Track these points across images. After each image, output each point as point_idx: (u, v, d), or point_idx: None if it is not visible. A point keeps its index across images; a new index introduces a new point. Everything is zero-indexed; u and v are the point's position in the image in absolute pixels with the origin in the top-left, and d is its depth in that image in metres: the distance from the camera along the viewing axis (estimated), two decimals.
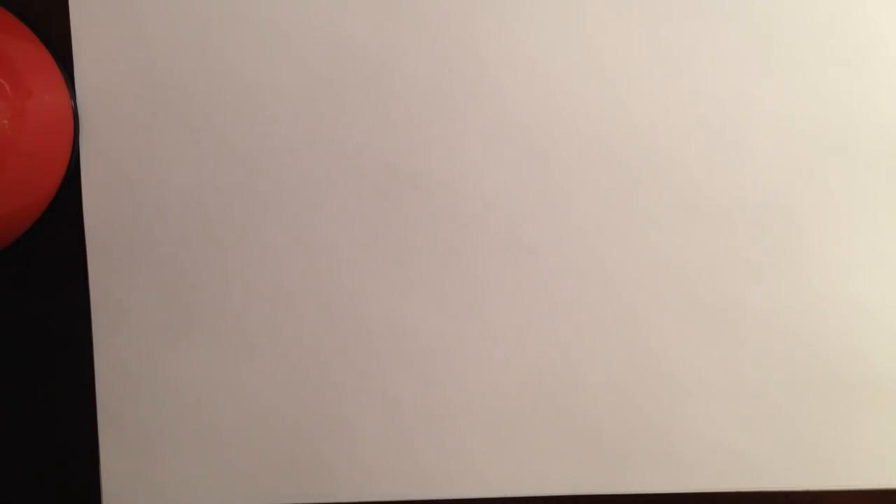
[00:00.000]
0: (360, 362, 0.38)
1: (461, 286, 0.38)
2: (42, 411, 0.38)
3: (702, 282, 0.38)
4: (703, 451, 0.39)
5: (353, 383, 0.38)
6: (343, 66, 0.37)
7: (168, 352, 0.38)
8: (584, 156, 0.38)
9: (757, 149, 0.38)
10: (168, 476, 0.38)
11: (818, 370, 0.39)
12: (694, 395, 0.39)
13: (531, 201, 0.38)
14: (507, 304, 0.38)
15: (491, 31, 0.37)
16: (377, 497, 0.38)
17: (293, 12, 0.37)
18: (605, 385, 0.38)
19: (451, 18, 0.37)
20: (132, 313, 0.37)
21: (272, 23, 0.37)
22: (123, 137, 0.37)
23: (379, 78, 0.37)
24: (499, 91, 0.37)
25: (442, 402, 0.38)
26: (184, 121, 0.37)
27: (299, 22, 0.37)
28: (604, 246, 0.38)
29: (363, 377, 0.38)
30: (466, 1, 0.37)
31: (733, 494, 0.39)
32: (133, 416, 0.38)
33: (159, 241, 0.37)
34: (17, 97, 0.33)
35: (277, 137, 0.37)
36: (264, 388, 0.38)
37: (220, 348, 0.38)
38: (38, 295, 0.37)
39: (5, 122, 0.32)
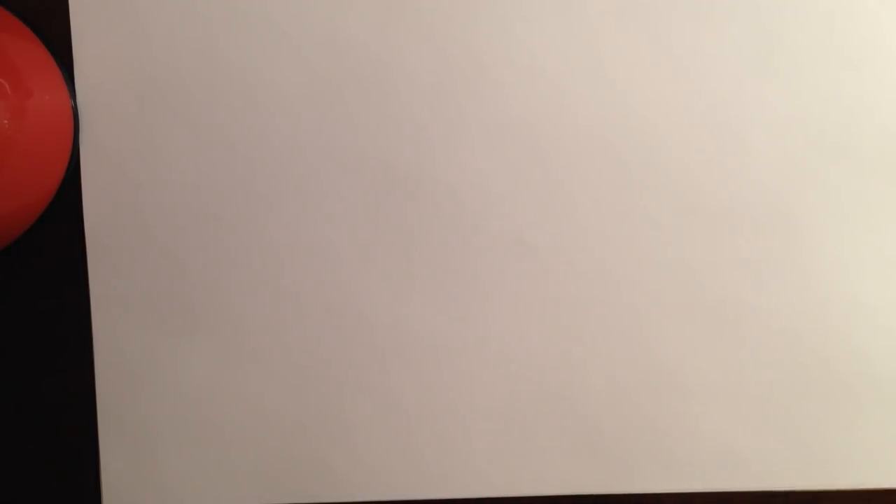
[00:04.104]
0: (361, 362, 0.38)
1: (462, 286, 0.38)
2: (42, 411, 0.38)
3: (702, 281, 0.38)
4: (704, 451, 0.39)
5: (354, 383, 0.38)
6: (344, 65, 0.37)
7: (168, 351, 0.38)
8: (585, 155, 0.38)
9: (757, 149, 0.38)
10: (168, 476, 0.38)
11: (818, 370, 0.39)
12: (694, 394, 0.39)
13: (532, 201, 0.38)
14: (507, 304, 0.38)
15: (491, 31, 0.37)
16: (377, 497, 0.38)
17: (294, 12, 0.37)
18: (605, 385, 0.38)
19: (452, 18, 0.37)
20: (132, 313, 0.37)
21: (273, 22, 0.37)
22: (123, 137, 0.37)
23: (380, 77, 0.37)
24: (500, 91, 0.37)
25: (443, 402, 0.38)
26: (184, 120, 0.37)
27: (300, 21, 0.37)
28: (605, 245, 0.38)
29: (363, 376, 0.38)
30: (467, 1, 0.37)
31: (733, 494, 0.39)
32: (133, 416, 0.38)
33: (159, 240, 0.37)
34: (17, 97, 0.33)
35: (278, 137, 0.37)
36: (264, 388, 0.38)
37: (220, 348, 0.38)
38: (38, 295, 0.37)
39: (5, 121, 0.32)
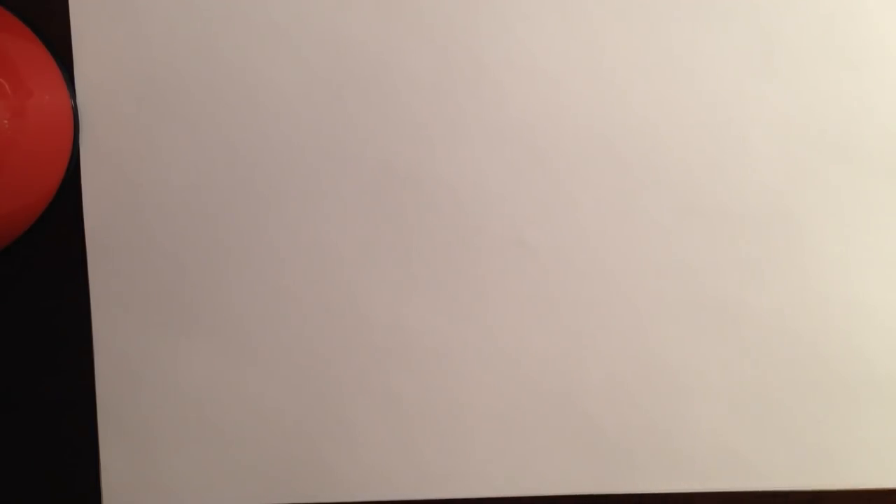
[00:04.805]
0: (361, 362, 0.38)
1: (462, 286, 0.38)
2: (42, 411, 0.38)
3: (702, 281, 0.38)
4: (704, 451, 0.39)
5: (354, 383, 0.38)
6: (344, 65, 0.37)
7: (168, 351, 0.38)
8: (585, 155, 0.38)
9: (757, 149, 0.38)
10: (168, 476, 0.38)
11: (818, 370, 0.39)
12: (694, 394, 0.39)
13: (532, 201, 0.38)
14: (508, 304, 0.38)
15: (491, 31, 0.37)
16: (377, 497, 0.38)
17: (294, 12, 0.37)
18: (605, 385, 0.38)
19: (452, 18, 0.37)
20: (132, 313, 0.37)
21: (273, 23, 0.37)
22: (123, 137, 0.37)
23: (380, 77, 0.37)
24: (499, 91, 0.37)
25: (442, 402, 0.38)
26: (184, 121, 0.37)
27: (300, 21, 0.37)
28: (605, 245, 0.38)
29: (364, 376, 0.38)
30: (467, 1, 0.37)
31: (733, 494, 0.39)
32: (133, 416, 0.38)
33: (159, 240, 0.37)
34: (17, 97, 0.33)
35: (278, 137, 0.37)
36: (265, 388, 0.38)
37: (220, 348, 0.38)
38: (38, 294, 0.37)
39: (5, 122, 0.32)
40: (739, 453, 0.39)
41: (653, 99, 0.37)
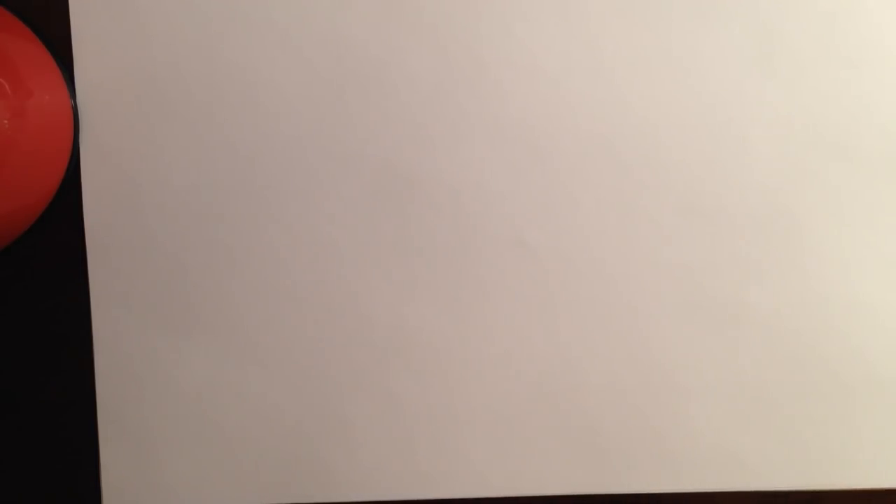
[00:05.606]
0: (361, 362, 0.38)
1: (462, 286, 0.38)
2: (42, 411, 0.38)
3: (702, 282, 0.38)
4: (703, 451, 0.39)
5: (354, 383, 0.38)
6: (344, 65, 0.37)
7: (168, 351, 0.38)
8: (585, 155, 0.38)
9: (757, 149, 0.38)
10: (168, 476, 0.38)
11: (818, 370, 0.39)
12: (694, 394, 0.39)
13: (532, 201, 0.38)
14: (507, 304, 0.38)
15: (491, 31, 0.37)
16: (377, 497, 0.38)
17: (294, 11, 0.37)
18: (605, 385, 0.38)
19: (452, 18, 0.37)
20: (132, 313, 0.37)
21: (273, 22, 0.37)
22: (123, 137, 0.37)
23: (380, 77, 0.37)
24: (499, 91, 0.37)
25: (442, 402, 0.38)
26: (184, 120, 0.37)
27: (300, 21, 0.37)
28: (604, 245, 0.38)
29: (364, 377, 0.38)
30: (467, 0, 0.37)
31: (733, 494, 0.39)
32: (133, 416, 0.38)
33: (159, 240, 0.37)
34: (17, 97, 0.33)
35: (278, 137, 0.37)
36: (265, 388, 0.38)
37: (220, 348, 0.38)
38: (38, 295, 0.37)
39: (5, 121, 0.32)
40: (739, 453, 0.39)
41: (653, 99, 0.37)
